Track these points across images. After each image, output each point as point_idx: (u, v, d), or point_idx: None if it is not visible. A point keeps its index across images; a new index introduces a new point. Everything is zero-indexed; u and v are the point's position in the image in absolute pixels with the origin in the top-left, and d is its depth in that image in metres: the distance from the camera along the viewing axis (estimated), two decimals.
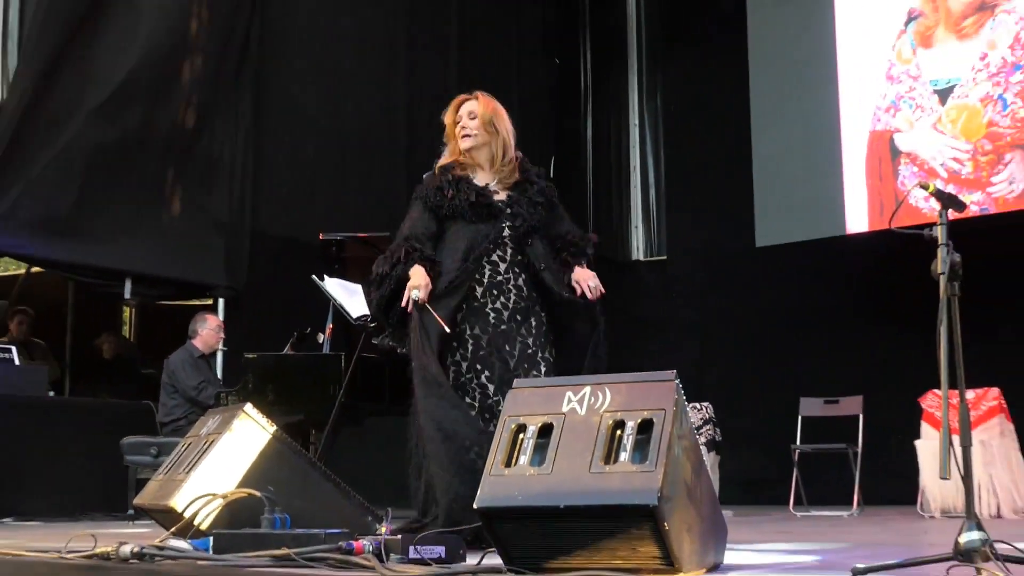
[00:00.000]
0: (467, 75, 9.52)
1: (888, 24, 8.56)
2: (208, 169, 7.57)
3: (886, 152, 8.48)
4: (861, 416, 7.17)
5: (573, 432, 2.74)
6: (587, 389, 2.82)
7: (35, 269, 7.91)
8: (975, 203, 7.91)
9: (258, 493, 3.33)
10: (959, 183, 7.98)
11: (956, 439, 3.16)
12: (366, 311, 6.20)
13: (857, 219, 8.56)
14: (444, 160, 4.15)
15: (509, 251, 3.99)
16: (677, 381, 2.77)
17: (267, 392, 6.25)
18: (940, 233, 3.33)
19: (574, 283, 3.97)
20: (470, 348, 3.88)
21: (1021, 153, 7.82)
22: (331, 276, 6.86)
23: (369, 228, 7.29)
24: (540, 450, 2.75)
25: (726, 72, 9.53)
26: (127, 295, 7.31)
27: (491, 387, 3.86)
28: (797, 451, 7.23)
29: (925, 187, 3.49)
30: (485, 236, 3.95)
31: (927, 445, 6.60)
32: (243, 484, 3.52)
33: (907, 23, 8.46)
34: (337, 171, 8.41)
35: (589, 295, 3.94)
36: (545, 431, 2.78)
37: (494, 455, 2.80)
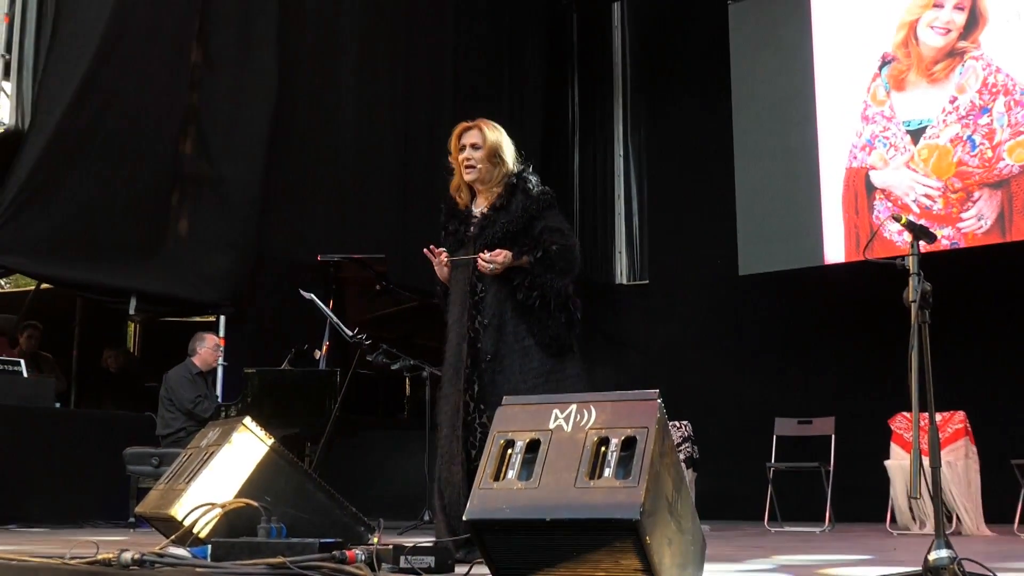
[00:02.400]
0: (460, 104, 9.76)
1: (863, 67, 8.82)
2: (211, 192, 7.66)
3: (862, 188, 8.72)
4: (833, 436, 7.36)
5: (559, 448, 2.79)
6: (573, 407, 2.87)
7: (45, 285, 8.02)
8: (946, 238, 8.14)
9: (255, 503, 3.39)
10: (931, 218, 8.19)
11: (926, 460, 3.40)
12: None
13: (834, 250, 8.78)
14: (451, 187, 4.16)
15: (475, 271, 3.95)
16: (660, 400, 2.82)
17: (265, 406, 6.36)
18: (911, 263, 3.54)
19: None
20: (475, 386, 3.87)
21: (989, 191, 8.06)
22: (328, 296, 7.08)
23: (365, 249, 7.51)
24: (528, 465, 2.79)
25: (709, 108, 9.72)
26: (132, 311, 7.33)
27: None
28: (772, 469, 7.39)
29: (898, 219, 3.69)
30: (464, 262, 3.97)
31: (896, 465, 6.84)
32: (241, 494, 3.55)
33: (881, 67, 8.72)
34: (335, 194, 8.48)
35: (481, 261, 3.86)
36: (533, 447, 2.83)
37: (483, 469, 2.85)
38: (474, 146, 4.04)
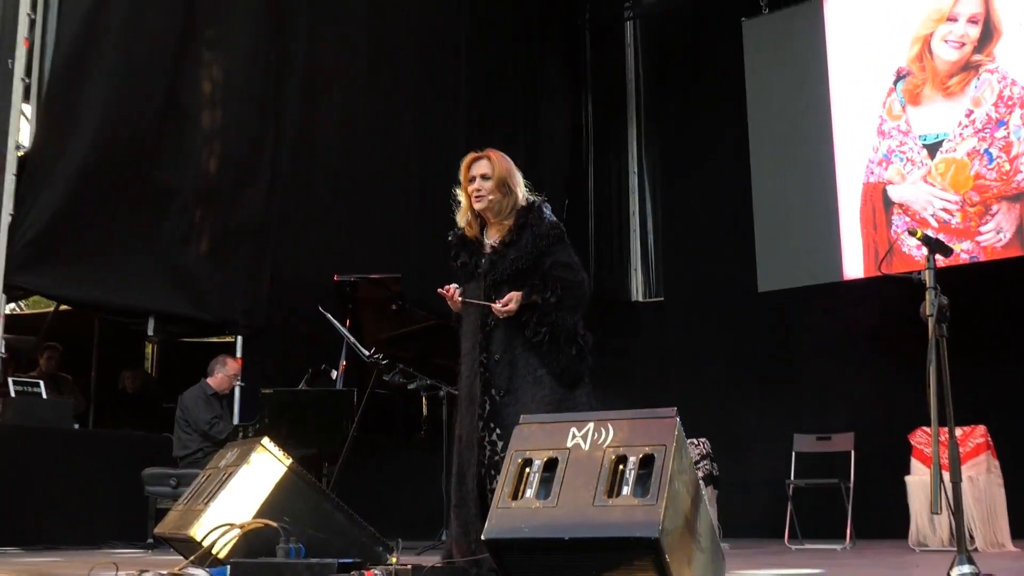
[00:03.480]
0: (476, 124, 9.79)
1: (878, 82, 8.82)
2: (231, 212, 7.71)
3: (879, 203, 8.70)
4: (853, 452, 7.35)
5: (577, 466, 2.80)
6: (591, 425, 2.89)
7: (64, 307, 8.07)
8: (965, 251, 8.13)
9: (274, 523, 3.40)
10: (949, 232, 8.18)
11: (946, 475, 3.38)
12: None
13: (853, 266, 8.77)
14: (458, 217, 4.18)
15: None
16: (678, 418, 2.83)
17: (283, 426, 6.37)
18: (928, 277, 3.54)
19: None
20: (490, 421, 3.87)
21: (1007, 204, 8.05)
22: (344, 315, 7.09)
23: (381, 270, 7.53)
24: (546, 484, 2.81)
25: (724, 124, 9.75)
26: (150, 332, 7.36)
27: (500, 444, 3.81)
28: (791, 486, 7.36)
29: (914, 233, 3.70)
30: (471, 293, 4.00)
31: (917, 481, 6.80)
32: (260, 515, 3.55)
33: (896, 81, 8.72)
34: (351, 215, 8.51)
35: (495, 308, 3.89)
36: (550, 465, 2.84)
37: (501, 488, 2.86)
38: (483, 176, 4.05)
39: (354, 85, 8.75)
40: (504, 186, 4.04)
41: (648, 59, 11.05)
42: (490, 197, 4.03)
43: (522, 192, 4.09)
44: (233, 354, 7.62)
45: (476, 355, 3.93)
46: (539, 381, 3.87)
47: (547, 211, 4.10)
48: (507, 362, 3.89)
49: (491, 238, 4.10)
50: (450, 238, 4.21)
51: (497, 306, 3.87)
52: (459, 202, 4.16)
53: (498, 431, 3.82)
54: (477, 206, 4.06)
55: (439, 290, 4.04)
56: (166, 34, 7.39)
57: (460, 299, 4.01)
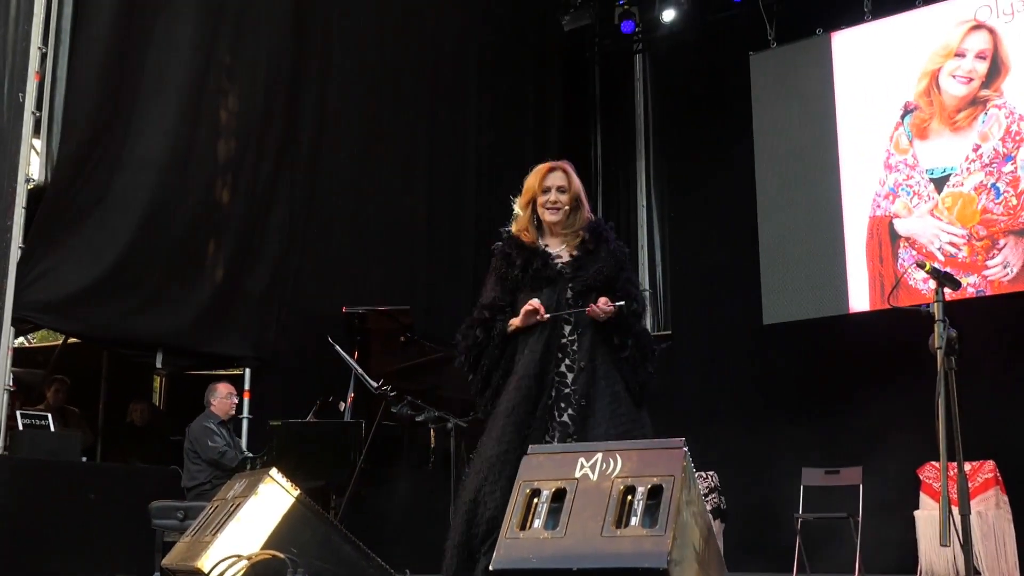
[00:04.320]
0: (486, 158, 9.85)
1: (886, 116, 8.86)
2: (242, 244, 7.70)
3: (886, 236, 8.73)
4: (861, 486, 7.34)
5: (586, 497, 2.79)
6: (599, 455, 2.88)
7: (72, 340, 8.09)
8: (972, 285, 8.14)
9: (281, 555, 3.42)
10: (956, 266, 8.19)
11: (955, 509, 3.38)
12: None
13: (859, 299, 8.78)
14: (514, 228, 4.11)
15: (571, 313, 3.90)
16: (686, 449, 2.83)
17: (291, 458, 6.28)
18: (937, 310, 3.56)
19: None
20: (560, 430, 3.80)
21: (1015, 239, 8.06)
22: (352, 347, 7.10)
23: (390, 302, 7.54)
24: (554, 514, 2.79)
25: (732, 157, 9.76)
26: (159, 365, 7.32)
27: None
28: (799, 519, 7.35)
29: (922, 266, 3.73)
30: (548, 301, 3.88)
31: (926, 515, 6.78)
32: (267, 546, 3.55)
33: (903, 116, 8.77)
34: (362, 247, 8.52)
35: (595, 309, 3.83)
36: (559, 496, 2.83)
37: (509, 519, 2.84)
38: (560, 188, 4.03)
39: (367, 119, 8.78)
40: (578, 200, 4.04)
41: (657, 92, 11.11)
42: (566, 209, 4.01)
43: (587, 207, 4.10)
44: (240, 385, 7.64)
45: (552, 367, 3.85)
46: (616, 397, 3.84)
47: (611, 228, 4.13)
48: (589, 371, 3.85)
49: (555, 248, 4.06)
50: (502, 243, 4.12)
51: (601, 305, 3.80)
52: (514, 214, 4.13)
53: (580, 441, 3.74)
54: (551, 218, 4.02)
55: (528, 306, 3.86)
56: (184, 63, 7.44)
57: (547, 315, 3.86)
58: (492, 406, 3.94)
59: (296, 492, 3.80)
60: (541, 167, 4.10)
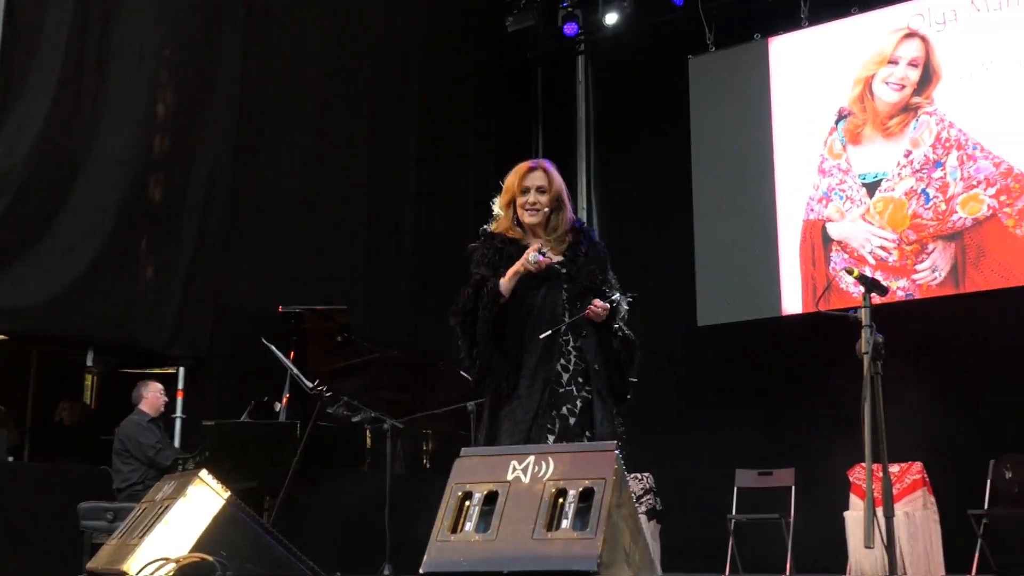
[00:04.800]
0: (426, 158, 9.81)
1: (820, 121, 8.97)
2: (176, 241, 7.60)
3: (819, 240, 8.84)
4: (793, 487, 7.44)
5: (517, 500, 2.79)
6: (531, 458, 2.89)
7: None
8: (901, 289, 8.28)
9: (210, 557, 3.37)
10: (886, 270, 8.34)
11: (879, 510, 3.43)
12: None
13: (792, 301, 8.86)
14: (494, 228, 4.01)
15: (567, 313, 3.83)
16: (617, 452, 2.85)
17: (225, 459, 6.27)
18: (864, 315, 3.62)
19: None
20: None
21: (943, 243, 8.20)
22: (289, 347, 7.05)
23: (328, 302, 7.49)
24: (485, 517, 2.79)
25: (670, 160, 9.80)
26: (89, 363, 7.23)
27: None
28: (733, 520, 7.42)
29: (850, 272, 3.79)
30: (544, 299, 3.82)
31: (855, 516, 6.87)
32: (196, 548, 3.50)
33: (837, 121, 8.88)
34: (299, 246, 8.46)
35: (590, 313, 3.77)
36: (491, 499, 2.82)
37: (440, 522, 2.84)
38: (540, 189, 3.91)
39: (306, 118, 8.71)
40: (559, 201, 3.93)
41: (598, 95, 11.14)
42: (545, 211, 3.90)
43: (569, 208, 3.99)
44: (174, 385, 7.55)
45: (552, 363, 3.78)
46: (604, 398, 3.86)
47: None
48: (586, 371, 3.83)
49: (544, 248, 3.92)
50: (483, 238, 4.02)
51: (601, 303, 3.79)
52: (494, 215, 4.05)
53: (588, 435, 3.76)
54: (530, 220, 3.91)
55: (539, 260, 3.75)
56: (123, 58, 7.33)
57: (560, 327, 3.81)
58: (485, 383, 3.86)
59: (226, 494, 3.74)
60: (521, 166, 3.98)
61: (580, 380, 3.81)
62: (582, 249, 3.94)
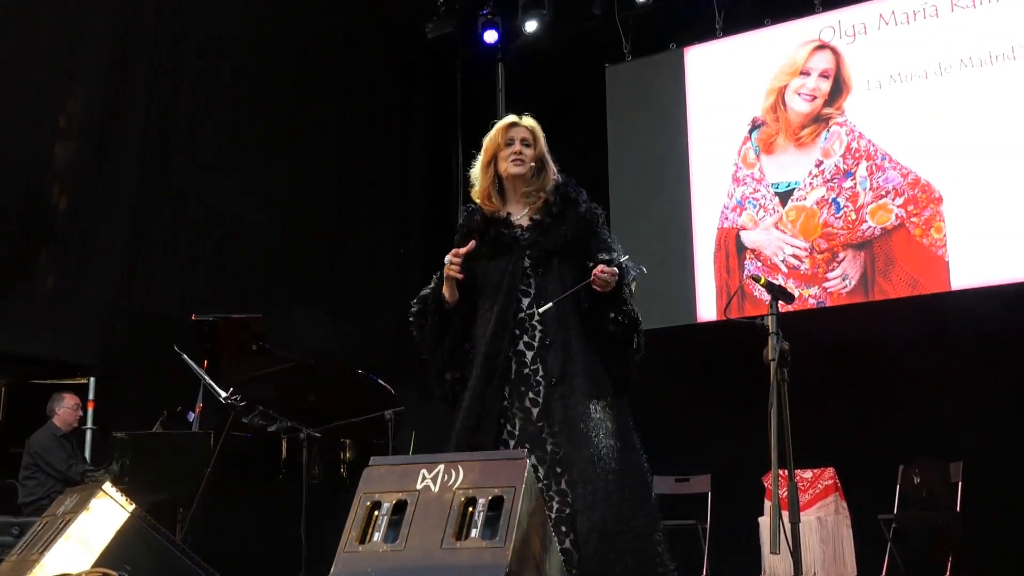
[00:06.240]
0: (346, 164, 9.74)
1: (735, 131, 9.10)
2: (82, 250, 7.47)
3: (733, 247, 8.95)
4: (710, 494, 7.51)
5: (426, 509, 2.75)
6: (441, 467, 2.84)
7: None
8: (813, 297, 8.43)
9: (114, 573, 3.28)
10: (798, 278, 8.50)
11: (786, 515, 3.47)
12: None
13: (707, 308, 8.96)
14: (473, 194, 3.81)
15: (534, 282, 3.60)
16: (527, 459, 2.81)
17: (135, 470, 6.14)
18: (771, 322, 3.67)
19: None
20: (517, 424, 3.51)
21: (853, 252, 8.36)
22: (202, 356, 6.92)
23: (242, 309, 7.38)
24: (394, 527, 2.74)
25: (587, 168, 9.80)
26: None
27: (558, 438, 3.46)
28: None
29: (756, 279, 3.83)
30: (503, 271, 3.59)
31: (768, 522, 6.96)
32: (99, 563, 3.41)
33: (751, 131, 9.02)
34: (212, 253, 8.36)
35: (596, 279, 3.41)
36: (399, 508, 2.78)
37: (348, 532, 2.78)
38: (524, 141, 3.72)
39: (221, 123, 8.61)
40: (542, 161, 3.73)
41: (517, 102, 11.11)
42: (531, 164, 3.69)
43: (554, 171, 3.75)
44: (84, 395, 7.40)
45: (504, 342, 3.51)
46: (596, 380, 3.53)
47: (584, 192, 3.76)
48: (560, 347, 3.50)
49: (517, 215, 3.73)
50: (464, 216, 3.80)
51: (604, 268, 3.40)
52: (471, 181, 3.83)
53: (559, 439, 3.44)
54: (515, 170, 3.67)
55: (453, 256, 3.53)
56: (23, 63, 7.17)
57: (539, 311, 3.50)
58: (444, 389, 3.65)
59: (131, 507, 3.63)
60: (503, 121, 3.78)
61: (551, 357, 3.51)
62: (553, 210, 3.67)
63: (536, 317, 3.55)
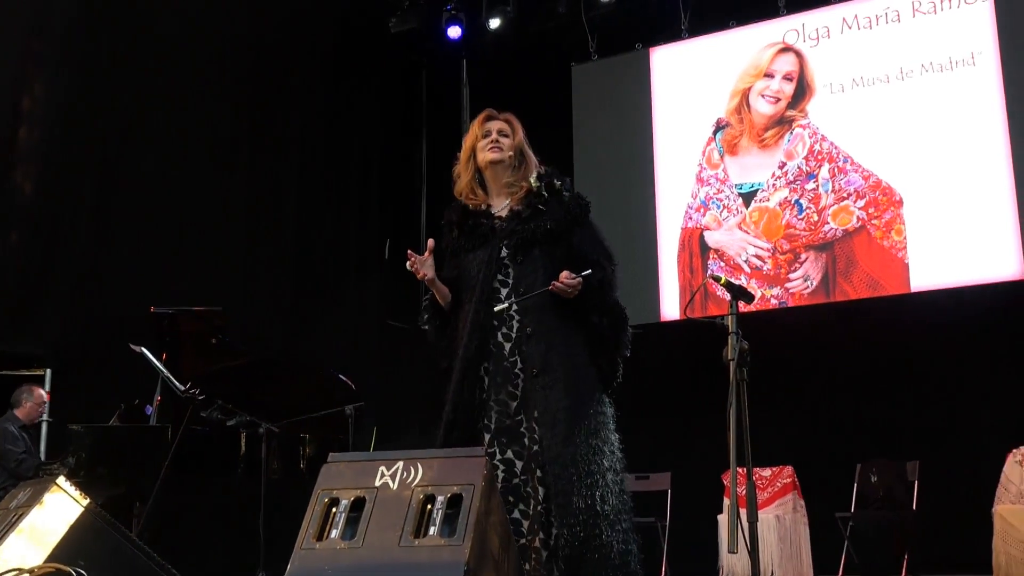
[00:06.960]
0: (310, 158, 9.68)
1: (699, 131, 9.16)
2: (45, 238, 7.38)
3: (696, 247, 9.00)
4: (669, 491, 7.53)
5: (385, 506, 2.72)
6: (400, 464, 2.81)
7: None
8: (775, 297, 8.50)
9: (68, 568, 3.22)
10: (761, 279, 8.56)
11: (744, 513, 3.49)
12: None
13: (671, 308, 9.00)
14: (456, 190, 3.78)
15: (512, 272, 3.58)
16: (487, 458, 2.81)
17: (92, 464, 6.06)
18: (731, 322, 3.68)
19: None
20: (493, 416, 3.48)
21: (815, 253, 8.44)
22: (161, 349, 6.85)
23: (205, 303, 7.31)
24: (352, 524, 2.72)
25: (553, 166, 9.91)
26: None
27: (538, 430, 3.43)
28: None
29: (717, 279, 3.84)
30: (480, 262, 3.57)
31: (727, 520, 7.01)
32: (52, 559, 3.34)
33: (716, 131, 9.09)
34: (173, 246, 8.26)
35: (554, 287, 3.40)
36: (358, 505, 2.76)
37: (306, 529, 2.76)
38: (502, 131, 3.71)
39: (183, 114, 8.49)
40: (522, 154, 3.71)
41: (481, 100, 11.09)
42: (509, 153, 3.66)
43: (535, 167, 3.71)
44: (41, 387, 7.30)
45: (482, 334, 3.48)
46: (577, 370, 3.51)
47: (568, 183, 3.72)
48: (540, 338, 3.47)
49: (498, 206, 3.69)
50: (447, 210, 3.79)
51: (564, 280, 3.36)
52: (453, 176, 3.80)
53: (539, 432, 3.41)
54: (493, 156, 3.65)
55: (409, 263, 3.49)
56: None
57: (501, 308, 3.48)
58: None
59: (85, 501, 3.57)
60: (481, 114, 3.77)
61: (531, 348, 3.48)
62: (536, 201, 3.62)
63: (496, 311, 3.52)
